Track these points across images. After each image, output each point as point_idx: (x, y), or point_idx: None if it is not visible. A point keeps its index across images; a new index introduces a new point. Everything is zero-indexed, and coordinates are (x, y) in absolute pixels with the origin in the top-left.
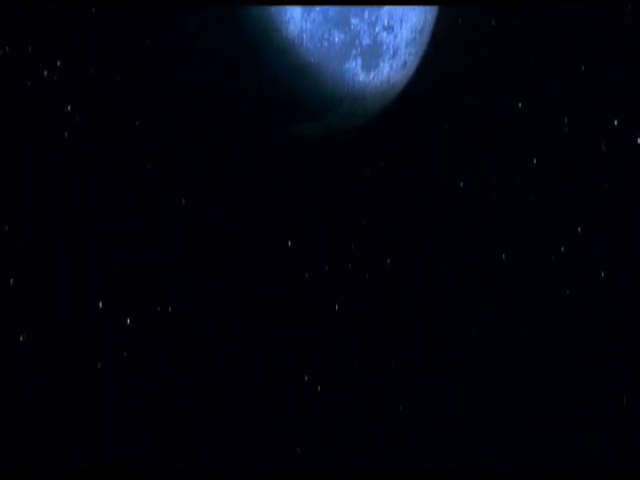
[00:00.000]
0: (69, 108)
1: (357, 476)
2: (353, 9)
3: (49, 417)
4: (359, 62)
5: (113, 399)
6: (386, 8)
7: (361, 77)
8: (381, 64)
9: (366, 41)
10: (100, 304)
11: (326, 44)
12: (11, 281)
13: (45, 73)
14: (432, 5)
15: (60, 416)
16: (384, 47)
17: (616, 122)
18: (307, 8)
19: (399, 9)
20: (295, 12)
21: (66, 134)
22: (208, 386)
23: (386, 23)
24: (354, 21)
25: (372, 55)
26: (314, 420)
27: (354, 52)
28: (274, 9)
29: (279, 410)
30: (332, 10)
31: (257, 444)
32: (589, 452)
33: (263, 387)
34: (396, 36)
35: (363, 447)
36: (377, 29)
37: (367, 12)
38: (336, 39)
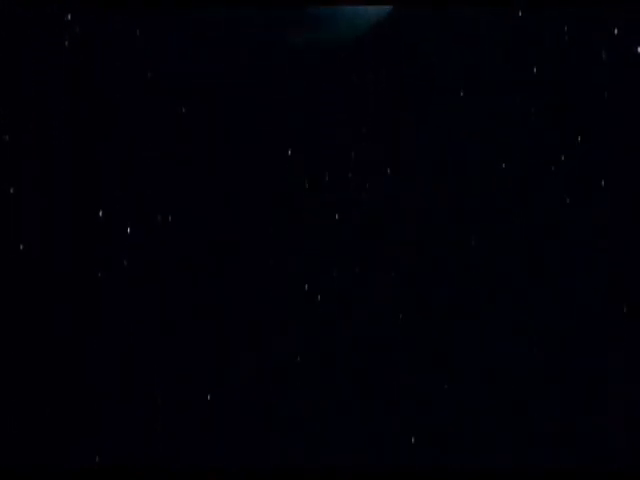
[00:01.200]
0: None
1: (357, 476)
2: None
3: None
4: None
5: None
6: None
7: None
8: None
9: None
10: (100, 213)
11: None
12: (11, 190)
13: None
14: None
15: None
16: None
17: (616, 31)
18: None
19: None
20: None
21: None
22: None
23: None
24: None
25: None
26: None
27: None
28: None
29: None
30: None
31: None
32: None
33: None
34: None
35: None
36: None
37: None
38: None
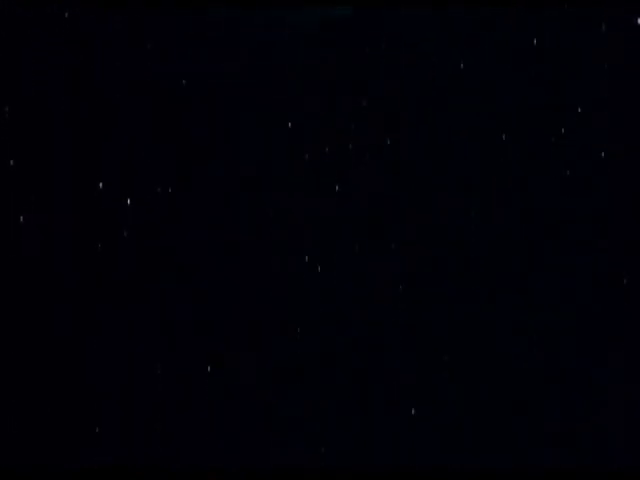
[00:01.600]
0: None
1: (357, 476)
2: None
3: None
4: None
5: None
6: None
7: None
8: None
9: None
10: (100, 185)
11: None
12: (11, 162)
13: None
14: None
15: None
16: None
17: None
18: None
19: None
20: None
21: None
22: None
23: None
24: None
25: None
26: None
27: None
28: None
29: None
30: None
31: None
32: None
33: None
34: None
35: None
36: None
37: None
38: None
